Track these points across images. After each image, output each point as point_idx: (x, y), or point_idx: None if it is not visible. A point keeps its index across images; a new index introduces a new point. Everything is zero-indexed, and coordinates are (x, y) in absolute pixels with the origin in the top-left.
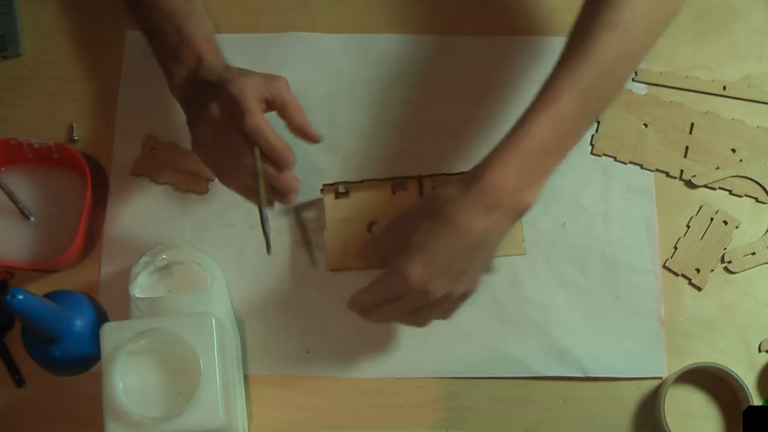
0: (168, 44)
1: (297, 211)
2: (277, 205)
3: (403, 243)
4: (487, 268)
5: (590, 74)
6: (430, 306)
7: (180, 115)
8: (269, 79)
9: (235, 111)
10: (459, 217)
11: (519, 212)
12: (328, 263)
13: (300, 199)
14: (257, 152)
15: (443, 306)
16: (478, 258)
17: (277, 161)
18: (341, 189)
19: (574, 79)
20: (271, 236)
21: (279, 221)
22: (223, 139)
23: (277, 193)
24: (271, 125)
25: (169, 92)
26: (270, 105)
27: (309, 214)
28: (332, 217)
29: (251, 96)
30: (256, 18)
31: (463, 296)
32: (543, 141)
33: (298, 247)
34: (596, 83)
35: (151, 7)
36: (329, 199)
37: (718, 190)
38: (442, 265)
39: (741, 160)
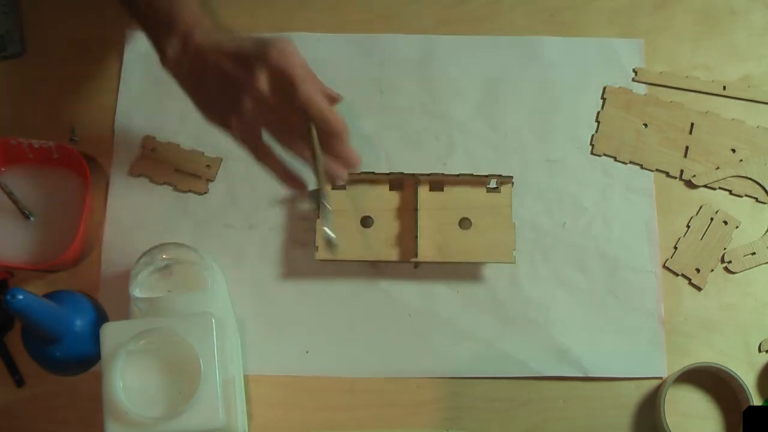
0: (159, 14)
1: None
2: (274, 204)
3: None
4: None
5: None
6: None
7: (179, 115)
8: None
9: (284, 81)
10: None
11: None
12: (319, 253)
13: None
14: (313, 129)
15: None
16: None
17: (330, 133)
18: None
19: None
20: (269, 236)
21: (276, 220)
22: (262, 109)
23: (334, 168)
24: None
25: (171, 93)
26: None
27: (303, 205)
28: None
29: (299, 61)
30: (256, 18)
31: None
32: None
33: (296, 247)
34: None
35: None
36: (326, 189)
37: (718, 190)
38: None
39: (741, 160)
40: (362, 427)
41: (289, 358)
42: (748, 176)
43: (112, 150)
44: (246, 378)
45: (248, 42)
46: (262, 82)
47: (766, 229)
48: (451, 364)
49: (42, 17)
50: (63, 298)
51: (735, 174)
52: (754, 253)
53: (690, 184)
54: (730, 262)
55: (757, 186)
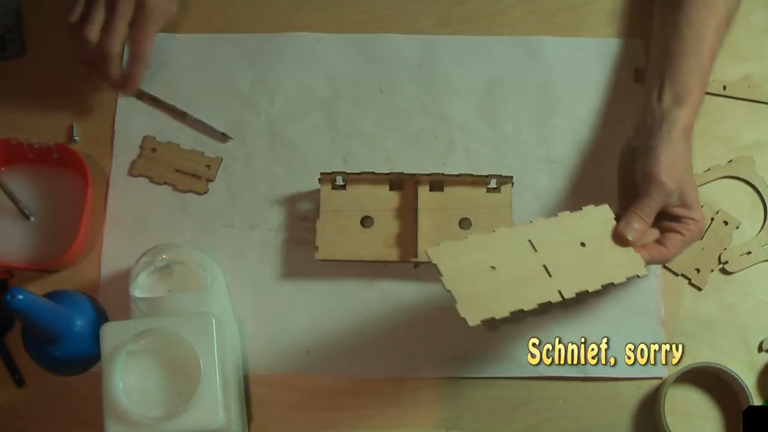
0: None
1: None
2: (274, 204)
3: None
4: None
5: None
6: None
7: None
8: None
9: None
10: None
11: None
12: (319, 253)
13: (298, 190)
14: None
15: None
16: None
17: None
18: (339, 181)
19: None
20: (269, 236)
21: (276, 220)
22: None
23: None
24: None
25: (171, 93)
26: None
27: (304, 205)
28: (326, 207)
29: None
30: (256, 18)
31: None
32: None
33: (296, 247)
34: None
35: None
36: (326, 189)
37: (718, 191)
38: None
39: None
40: (362, 427)
41: (289, 358)
42: (739, 176)
43: (112, 150)
44: (246, 378)
45: None
46: None
47: (760, 228)
48: (451, 364)
49: (42, 17)
50: (63, 298)
51: (725, 175)
52: (749, 253)
53: None
54: (726, 262)
55: (750, 186)
